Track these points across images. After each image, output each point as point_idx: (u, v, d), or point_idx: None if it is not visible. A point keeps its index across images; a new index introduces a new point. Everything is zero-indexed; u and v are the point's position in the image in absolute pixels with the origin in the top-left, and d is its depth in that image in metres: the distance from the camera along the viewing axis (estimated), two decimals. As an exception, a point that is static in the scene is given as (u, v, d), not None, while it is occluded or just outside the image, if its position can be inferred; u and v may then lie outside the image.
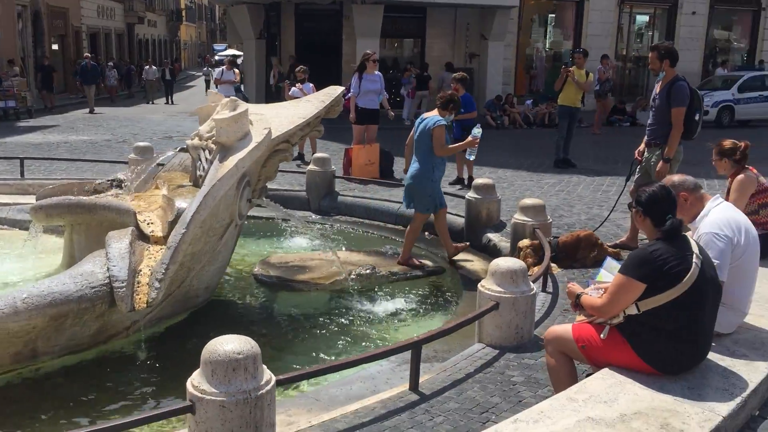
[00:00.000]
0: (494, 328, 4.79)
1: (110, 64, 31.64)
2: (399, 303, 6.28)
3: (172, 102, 29.81)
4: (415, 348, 4.16)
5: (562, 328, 3.60)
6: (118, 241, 5.28)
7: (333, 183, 9.51)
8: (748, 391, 3.20)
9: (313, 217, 9.04)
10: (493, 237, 7.66)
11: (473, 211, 7.92)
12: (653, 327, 3.26)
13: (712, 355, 3.51)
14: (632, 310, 3.29)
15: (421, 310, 6.17)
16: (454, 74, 10.58)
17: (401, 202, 8.85)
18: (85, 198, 5.98)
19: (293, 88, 12.50)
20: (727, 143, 5.29)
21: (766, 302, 4.27)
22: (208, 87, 34.31)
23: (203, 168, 6.02)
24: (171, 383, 4.84)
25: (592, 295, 3.57)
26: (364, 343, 5.44)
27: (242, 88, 18.67)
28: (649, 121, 6.80)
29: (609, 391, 3.14)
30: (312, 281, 6.66)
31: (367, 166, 10.44)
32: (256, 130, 5.86)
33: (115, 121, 19.70)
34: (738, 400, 3.11)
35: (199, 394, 3.18)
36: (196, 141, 6.24)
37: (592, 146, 15.98)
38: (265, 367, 3.36)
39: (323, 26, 23.14)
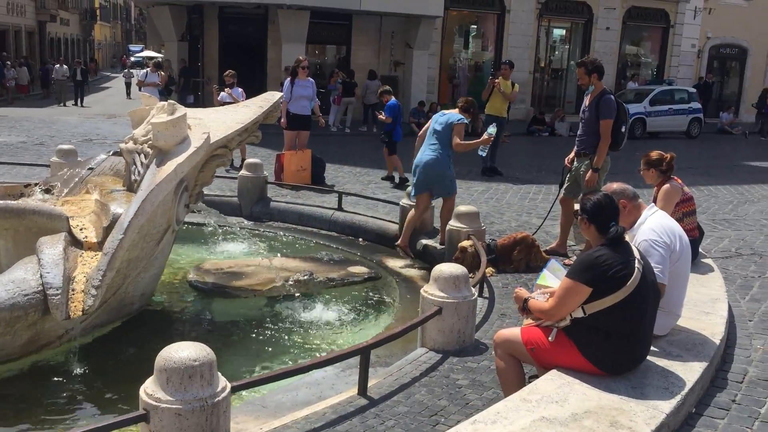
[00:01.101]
0: (437, 333, 4.88)
1: (7, 63, 29.69)
2: (338, 309, 6.30)
3: (81, 104, 27.49)
4: (363, 353, 4.20)
5: (511, 332, 3.72)
6: (52, 247, 5.12)
7: (265, 189, 9.45)
8: (686, 390, 3.38)
9: (246, 222, 8.94)
10: (428, 243, 7.77)
11: (407, 217, 8.00)
12: (598, 329, 3.41)
13: (650, 356, 3.69)
14: (578, 313, 3.43)
15: (361, 316, 6.21)
16: (381, 89, 12.41)
17: (334, 209, 8.94)
18: (13, 202, 5.75)
19: (222, 93, 12.34)
20: (654, 154, 5.57)
21: (694, 305, 4.51)
22: (128, 90, 33.28)
23: (138, 172, 5.90)
24: (107, 393, 4.75)
25: (539, 299, 3.70)
26: (306, 349, 5.44)
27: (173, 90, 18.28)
28: (578, 132, 7.05)
29: (559, 392, 3.26)
30: (249, 287, 6.60)
31: (299, 172, 10.41)
32: (194, 135, 5.77)
33: (28, 123, 18.92)
34: (678, 398, 3.29)
35: (154, 402, 3.13)
36: (130, 145, 6.11)
37: (514, 155, 16.43)
38: (219, 374, 3.33)
39: (248, 30, 22.94)
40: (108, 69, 66.43)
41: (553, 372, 3.46)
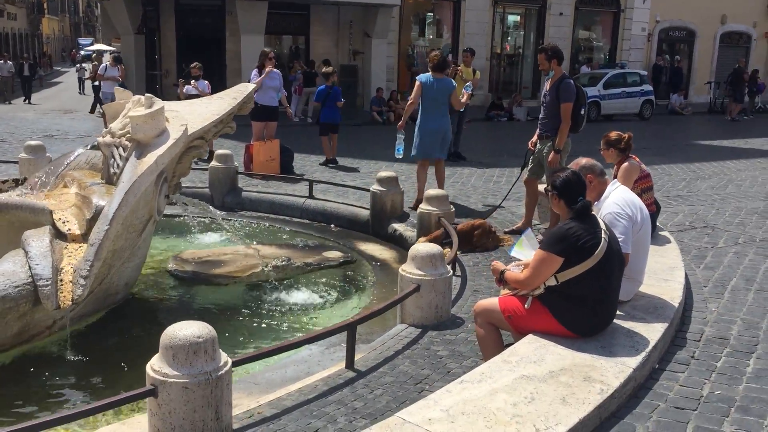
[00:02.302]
0: (416, 309, 5.14)
1: None
2: (318, 291, 6.53)
3: (29, 101, 25.90)
4: (350, 329, 4.45)
5: (490, 302, 4.01)
6: (39, 240, 5.24)
7: (236, 179, 9.60)
8: (650, 347, 3.71)
9: (218, 213, 9.07)
10: (399, 227, 8.04)
11: (378, 203, 8.27)
12: (570, 295, 3.71)
13: (616, 319, 4.01)
14: (551, 282, 3.73)
15: (340, 297, 6.45)
16: (324, 69, 13.13)
17: (306, 197, 9.14)
18: (-5, 197, 5.84)
19: (187, 86, 12.40)
20: (613, 134, 5.90)
21: (654, 273, 4.85)
22: (81, 85, 32.77)
23: (117, 165, 6.01)
24: (96, 380, 4.89)
25: (514, 271, 4.00)
26: (292, 330, 5.66)
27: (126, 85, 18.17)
28: (540, 116, 7.38)
29: (536, 353, 3.56)
30: (229, 275, 6.79)
31: (268, 162, 10.58)
32: (173, 127, 5.93)
33: (-19, 121, 18.69)
34: (643, 354, 3.62)
35: (162, 378, 3.33)
36: (108, 138, 6.21)
37: (475, 140, 16.79)
38: (220, 349, 3.54)
39: (205, 22, 22.84)
40: (59, 63, 65.09)
41: (530, 336, 3.76)
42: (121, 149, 6.01)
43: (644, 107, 23.28)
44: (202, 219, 8.29)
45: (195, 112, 6.48)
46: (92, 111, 21.72)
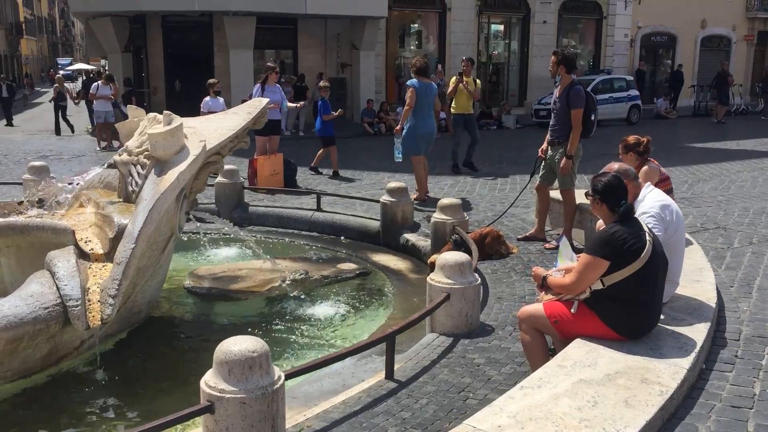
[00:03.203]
0: (446, 318, 5.16)
1: None
2: (338, 304, 6.51)
3: (11, 123, 24.43)
4: (389, 340, 4.45)
5: (535, 308, 4.02)
6: (65, 260, 5.20)
7: (242, 194, 9.58)
8: (698, 347, 3.75)
9: (226, 228, 9.02)
10: (411, 237, 8.06)
11: (389, 213, 8.28)
12: (617, 299, 3.74)
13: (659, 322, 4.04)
14: (598, 286, 3.75)
15: (362, 309, 6.45)
16: (320, 84, 13.25)
17: (314, 210, 9.14)
18: (16, 218, 5.80)
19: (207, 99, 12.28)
20: (631, 138, 5.95)
21: (684, 275, 4.87)
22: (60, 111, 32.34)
23: (136, 183, 5.98)
24: (125, 399, 4.85)
25: (556, 276, 4.02)
26: (318, 344, 5.65)
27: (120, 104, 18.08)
28: (551, 123, 7.43)
29: (588, 357, 3.58)
30: (247, 289, 6.76)
31: (272, 176, 10.57)
32: (191, 143, 5.91)
33: (-32, 144, 18.52)
34: (693, 355, 3.65)
35: (218, 394, 3.31)
36: (125, 157, 6.18)
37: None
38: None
39: (193, 38, 22.81)
40: (38, 83, 64.60)
41: (578, 341, 3.78)
42: (139, 167, 5.98)
43: (632, 112, 23.51)
44: (214, 235, 8.27)
45: (210, 128, 6.46)
46: (57, 132, 21.57)
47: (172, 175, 5.59)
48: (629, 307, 3.75)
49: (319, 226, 9.01)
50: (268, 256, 7.74)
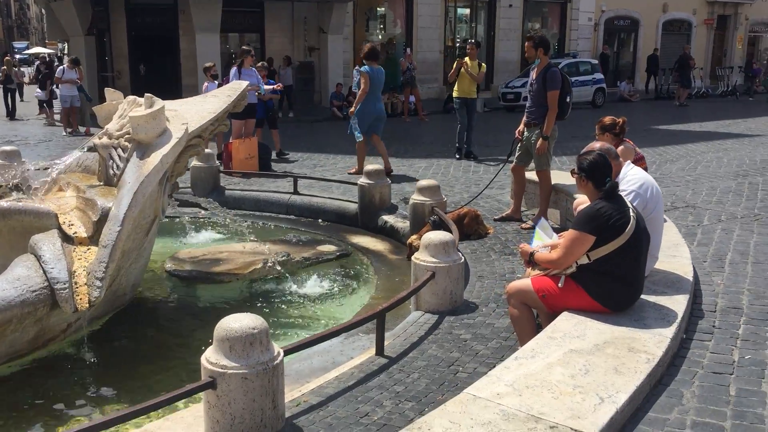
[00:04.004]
0: (431, 296, 5.26)
1: None
2: (320, 284, 6.58)
3: None
4: (379, 317, 4.54)
5: (523, 282, 4.15)
6: (51, 244, 5.19)
7: (218, 178, 9.56)
8: (680, 317, 3.92)
9: (203, 212, 9.03)
10: (389, 219, 8.15)
11: (366, 196, 8.36)
12: (603, 272, 3.88)
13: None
14: (584, 260, 3.89)
15: (345, 288, 6.53)
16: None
17: (291, 193, 9.19)
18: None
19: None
20: (607, 119, 6.10)
21: (661, 250, 5.06)
22: (20, 90, 31.67)
23: (117, 166, 5.96)
24: (115, 381, 4.86)
25: (543, 252, 4.15)
26: (306, 323, 5.73)
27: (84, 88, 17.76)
28: (527, 104, 7.57)
29: (576, 329, 3.72)
30: (230, 272, 6.79)
31: (247, 160, 10.56)
32: (174, 126, 5.91)
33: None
34: (675, 325, 3.82)
35: (220, 370, 3.38)
36: (105, 140, 6.16)
37: (439, 132, 17.05)
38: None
39: (157, 21, 22.47)
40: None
41: (565, 313, 3.92)
42: (120, 150, 5.97)
43: (597, 95, 23.85)
44: (193, 218, 8.27)
45: (191, 111, 6.46)
46: (11, 117, 21.11)
47: (155, 157, 5.60)
48: (614, 280, 3.90)
49: (296, 209, 9.05)
50: (255, 238, 7.76)
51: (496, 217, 7.85)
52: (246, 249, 7.32)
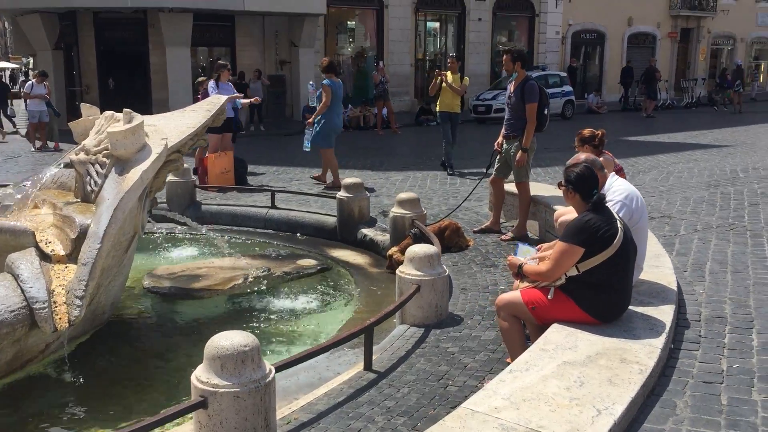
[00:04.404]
0: (417, 309, 5.26)
1: None
2: (302, 299, 6.54)
3: None
4: (367, 332, 4.52)
5: (512, 295, 4.16)
6: (28, 262, 5.08)
7: (194, 193, 9.47)
8: (668, 328, 3.95)
9: (179, 228, 8.92)
10: (368, 232, 8.13)
11: (345, 209, 8.33)
12: (592, 284, 3.90)
13: (629, 305, 4.24)
14: (573, 272, 3.91)
15: (327, 303, 6.49)
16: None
17: (268, 207, 9.13)
18: (-27, 221, 5.61)
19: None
20: (586, 132, 6.15)
21: (644, 261, 5.12)
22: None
23: (95, 183, 5.86)
24: (94, 402, 4.77)
25: (531, 264, 4.16)
26: (290, 338, 5.67)
27: (53, 103, 17.46)
28: (506, 117, 7.61)
29: (568, 340, 3.73)
30: (210, 288, 6.71)
31: (222, 174, 10.47)
32: (153, 141, 5.85)
33: None
34: (664, 335, 3.85)
35: (211, 389, 3.33)
36: (82, 156, 6.05)
37: (414, 145, 17.10)
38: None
39: (127, 35, 22.28)
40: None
41: (555, 325, 3.93)
42: (98, 166, 5.87)
43: (566, 107, 24.13)
44: (166, 235, 8.17)
45: (170, 126, 6.40)
46: None
47: (135, 173, 5.53)
48: (603, 291, 3.92)
49: (274, 224, 8.99)
50: (236, 253, 7.66)
51: (475, 229, 7.88)
52: (225, 264, 7.24)
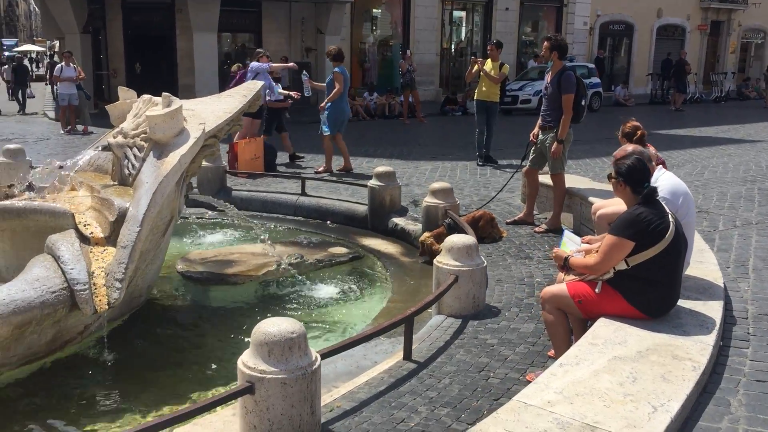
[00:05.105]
0: (454, 300, 5.21)
1: None
2: (334, 287, 6.51)
3: None
4: (407, 322, 4.49)
5: (558, 288, 4.10)
6: (69, 244, 5.10)
7: (225, 179, 9.47)
8: (718, 324, 3.88)
9: (209, 213, 8.95)
10: (399, 221, 8.08)
11: (377, 198, 8.29)
12: (642, 278, 3.83)
13: (676, 300, 4.16)
14: (622, 266, 3.84)
15: (359, 291, 6.45)
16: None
17: (298, 194, 9.12)
18: (14, 202, 5.65)
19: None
20: (628, 126, 6.06)
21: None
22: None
23: (133, 166, 5.87)
24: (131, 384, 4.78)
25: (578, 257, 4.10)
26: (328, 326, 5.65)
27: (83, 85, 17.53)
28: (542, 107, 7.53)
29: (617, 335, 3.67)
30: (243, 274, 6.70)
31: (252, 161, 10.47)
32: (191, 126, 5.85)
33: None
34: (715, 332, 3.78)
35: (259, 374, 3.31)
36: (120, 139, 6.06)
37: (440, 135, 17.00)
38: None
39: (154, 20, 22.37)
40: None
41: (603, 319, 3.87)
42: (135, 150, 5.88)
43: (593, 99, 23.81)
44: (201, 219, 8.18)
45: (207, 110, 6.38)
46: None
47: (173, 157, 5.53)
48: (653, 286, 3.85)
49: (304, 211, 8.97)
50: (268, 240, 7.64)
51: (508, 221, 7.81)
52: (256, 250, 7.23)
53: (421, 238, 7.21)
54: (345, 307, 6.11)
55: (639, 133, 5.94)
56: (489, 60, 11.88)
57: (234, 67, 13.04)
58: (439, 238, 6.93)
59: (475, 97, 12.14)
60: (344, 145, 11.29)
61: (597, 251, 3.99)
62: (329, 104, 11.11)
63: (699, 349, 3.54)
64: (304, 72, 12.67)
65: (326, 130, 11.21)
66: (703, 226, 7.15)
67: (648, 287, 3.85)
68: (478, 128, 12.06)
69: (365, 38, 26.22)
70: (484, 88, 11.76)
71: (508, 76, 11.91)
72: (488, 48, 12.31)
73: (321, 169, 11.27)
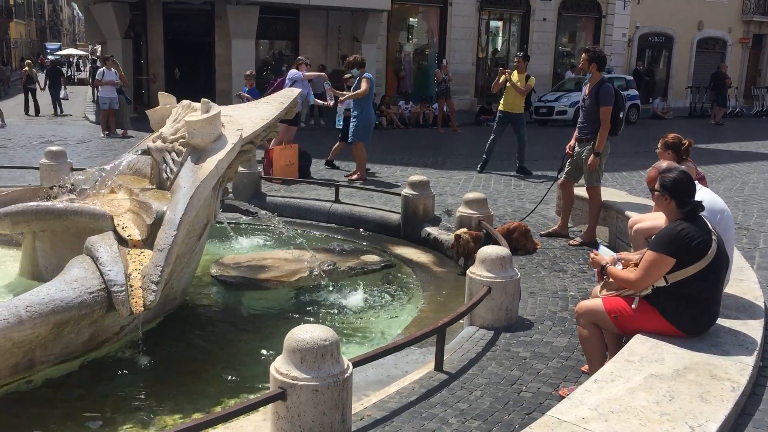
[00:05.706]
0: (486, 311, 5.18)
1: None
2: (367, 295, 6.50)
3: None
4: (440, 332, 4.48)
5: (594, 302, 4.05)
6: (108, 246, 5.18)
7: (260, 184, 9.55)
8: (758, 345, 3.80)
9: (243, 218, 9.01)
10: (432, 230, 8.06)
11: (410, 206, 8.28)
12: (680, 296, 3.77)
13: (715, 318, 4.08)
14: (660, 283, 3.78)
15: (391, 300, 6.45)
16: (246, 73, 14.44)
17: (332, 201, 9.14)
18: (55, 203, 5.76)
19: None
20: (671, 137, 5.98)
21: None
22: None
23: (171, 170, 5.94)
24: (161, 386, 4.82)
25: (618, 268, 4.05)
26: (363, 334, 5.65)
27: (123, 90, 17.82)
28: (579, 119, 7.46)
29: (653, 353, 3.61)
30: (276, 279, 6.75)
31: (287, 167, 10.54)
32: (228, 132, 5.91)
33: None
34: (755, 352, 3.70)
35: (291, 381, 3.32)
36: (159, 144, 6.14)
37: (473, 145, 16.94)
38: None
39: (194, 26, 22.69)
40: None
41: (640, 336, 3.81)
42: (174, 154, 5.95)
43: (630, 111, 23.57)
44: (234, 223, 8.25)
45: (246, 116, 6.45)
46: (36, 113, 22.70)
47: (211, 163, 5.59)
48: (692, 304, 3.79)
49: (337, 218, 9.00)
50: (291, 247, 7.70)
51: (542, 233, 7.75)
52: (289, 256, 7.27)
53: (458, 231, 7.13)
54: (376, 315, 6.11)
55: (686, 143, 5.86)
56: (515, 71, 12.02)
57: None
58: (477, 241, 6.91)
59: (500, 108, 12.27)
60: (364, 154, 11.43)
61: (635, 263, 3.94)
62: (356, 112, 11.20)
63: (738, 369, 3.47)
64: (327, 81, 13.23)
65: (339, 122, 11.72)
66: (743, 243, 7.01)
67: (687, 305, 3.79)
68: (493, 134, 12.31)
69: (401, 47, 26.28)
70: (509, 100, 11.93)
71: (534, 89, 12.10)
72: (515, 60, 12.57)
73: (355, 176, 11.37)
